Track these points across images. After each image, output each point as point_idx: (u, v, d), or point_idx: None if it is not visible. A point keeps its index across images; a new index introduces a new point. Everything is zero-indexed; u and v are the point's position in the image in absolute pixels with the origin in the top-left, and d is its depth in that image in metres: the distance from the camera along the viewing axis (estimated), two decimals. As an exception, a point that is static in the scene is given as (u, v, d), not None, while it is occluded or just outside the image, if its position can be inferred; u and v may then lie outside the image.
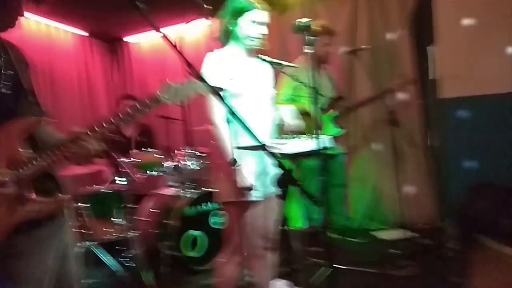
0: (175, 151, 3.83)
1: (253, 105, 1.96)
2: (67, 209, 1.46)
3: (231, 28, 1.99)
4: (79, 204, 3.14)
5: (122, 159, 3.34)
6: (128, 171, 3.35)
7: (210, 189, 3.58)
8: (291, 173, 1.43)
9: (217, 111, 1.88)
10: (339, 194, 3.77)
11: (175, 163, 3.69)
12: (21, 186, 1.25)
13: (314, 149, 1.96)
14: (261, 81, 2.04)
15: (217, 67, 1.91)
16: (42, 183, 1.31)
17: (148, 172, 3.53)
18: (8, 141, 1.26)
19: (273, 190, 1.99)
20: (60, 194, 1.37)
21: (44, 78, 4.53)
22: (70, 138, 1.28)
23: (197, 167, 3.76)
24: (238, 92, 1.91)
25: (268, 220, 2.02)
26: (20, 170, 1.24)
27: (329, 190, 3.68)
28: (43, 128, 1.41)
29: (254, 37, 1.99)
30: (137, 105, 1.34)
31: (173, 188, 3.73)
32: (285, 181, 1.42)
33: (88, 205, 3.21)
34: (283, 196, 1.44)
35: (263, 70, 2.09)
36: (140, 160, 3.52)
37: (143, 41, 5.43)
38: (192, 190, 3.58)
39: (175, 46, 1.22)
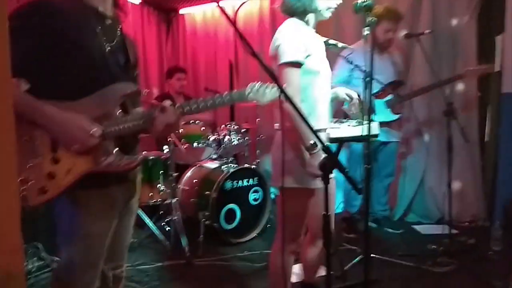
0: (221, 126, 3.89)
1: (324, 84, 1.89)
2: (138, 172, 1.56)
3: None
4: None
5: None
6: (175, 140, 3.44)
7: (252, 166, 3.62)
8: (335, 157, 1.40)
9: (293, 87, 1.77)
10: (384, 183, 3.67)
11: (219, 137, 3.75)
12: (108, 139, 1.34)
13: (362, 135, 1.90)
14: (325, 59, 1.95)
15: (296, 37, 1.80)
16: (124, 143, 1.39)
17: (193, 143, 3.62)
18: (110, 98, 1.35)
19: (333, 175, 1.90)
20: (136, 156, 1.45)
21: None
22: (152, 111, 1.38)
23: (240, 143, 3.82)
24: (316, 68, 1.83)
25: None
26: (111, 126, 1.34)
27: (375, 179, 3.60)
28: (136, 99, 1.51)
29: (331, 8, 1.87)
30: (222, 96, 1.41)
31: (215, 161, 3.81)
32: (329, 165, 1.39)
33: (135, 169, 3.35)
34: (325, 181, 1.41)
35: (323, 48, 2.01)
36: (185, 131, 3.61)
37: (197, 13, 5.45)
38: (233, 165, 3.63)
39: (231, 20, 1.20)
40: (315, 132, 1.33)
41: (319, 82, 1.87)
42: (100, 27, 1.38)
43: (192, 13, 5.49)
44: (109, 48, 1.39)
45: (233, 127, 3.85)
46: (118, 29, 1.47)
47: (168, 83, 4.46)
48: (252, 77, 4.95)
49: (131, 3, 5.11)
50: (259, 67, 5.31)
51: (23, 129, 1.24)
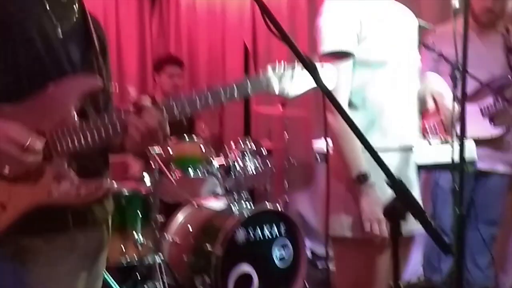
0: (230, 144, 3.89)
1: (398, 80, 1.90)
2: (108, 205, 1.57)
3: None
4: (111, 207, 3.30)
5: (154, 149, 3.45)
6: (162, 167, 3.45)
7: (277, 207, 3.59)
8: (409, 196, 1.36)
9: (338, 88, 1.80)
10: (485, 235, 3.57)
11: (227, 161, 3.75)
12: (59, 157, 1.35)
13: (449, 161, 1.86)
14: (406, 39, 1.96)
15: (343, 14, 1.85)
16: (85, 163, 1.41)
17: (188, 170, 3.62)
18: (62, 99, 1.38)
19: (414, 226, 1.92)
20: (107, 179, 1.46)
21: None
22: (133, 110, 1.38)
23: (260, 171, 3.83)
24: (378, 57, 1.86)
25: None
26: (63, 138, 1.35)
27: (471, 228, 3.51)
28: (103, 99, 1.53)
29: None
30: (227, 88, 1.43)
31: (221, 199, 3.82)
32: (399, 210, 1.34)
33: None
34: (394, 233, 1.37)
35: (408, 21, 2.00)
36: (177, 153, 3.63)
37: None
38: (248, 205, 3.64)
39: None
40: (374, 155, 1.29)
41: (387, 78, 1.87)
42: (49, 5, 1.44)
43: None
44: (62, 32, 1.44)
45: (249, 146, 3.86)
46: (76, 5, 1.52)
47: (156, 80, 4.54)
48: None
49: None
50: (291, 57, 5.38)
51: None
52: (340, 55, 1.82)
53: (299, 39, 4.68)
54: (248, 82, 1.46)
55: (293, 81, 1.47)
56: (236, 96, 1.44)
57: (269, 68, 1.48)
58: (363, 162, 1.74)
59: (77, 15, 1.51)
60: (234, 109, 5.08)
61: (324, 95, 1.30)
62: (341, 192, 1.84)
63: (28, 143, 1.28)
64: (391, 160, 1.87)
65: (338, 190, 1.83)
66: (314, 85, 1.35)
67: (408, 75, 1.93)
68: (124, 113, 1.39)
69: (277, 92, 1.47)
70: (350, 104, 1.89)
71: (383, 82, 1.87)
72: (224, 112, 4.92)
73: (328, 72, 1.46)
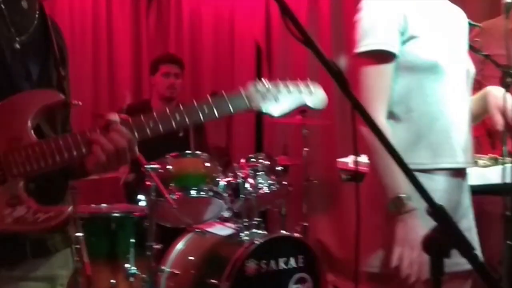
0: (240, 162, 3.89)
1: (450, 87, 1.87)
2: (72, 232, 1.61)
3: None
4: (75, 233, 3.30)
5: (150, 165, 3.44)
6: (159, 185, 3.44)
7: (294, 234, 3.57)
8: (454, 228, 1.33)
9: (377, 95, 1.81)
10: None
11: (236, 179, 3.75)
12: (11, 180, 1.37)
13: (500, 183, 1.85)
14: (458, 39, 1.95)
15: (387, 13, 1.84)
16: (42, 185, 1.44)
17: (190, 191, 3.61)
18: (15, 115, 1.40)
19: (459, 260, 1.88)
20: (69, 204, 1.48)
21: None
22: (99, 127, 1.42)
23: (274, 191, 3.81)
24: (428, 58, 1.85)
25: None
26: (22, 159, 1.37)
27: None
28: (62, 115, 1.55)
29: None
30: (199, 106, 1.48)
31: (228, 224, 3.80)
32: (442, 243, 1.32)
33: (86, 235, 3.36)
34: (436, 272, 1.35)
35: (459, 19, 2.00)
36: (177, 169, 3.63)
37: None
38: (260, 232, 3.62)
39: None
40: (409, 175, 1.27)
41: (436, 84, 1.84)
42: (7, 11, 1.46)
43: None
44: (20, 43, 1.46)
45: (261, 162, 3.85)
46: (37, 12, 1.55)
47: (152, 83, 4.56)
48: (295, 72, 4.99)
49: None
50: (310, 57, 5.32)
51: None
52: (380, 56, 1.79)
53: (320, 44, 4.68)
54: (227, 99, 1.50)
55: (278, 100, 1.55)
56: (216, 115, 1.48)
57: (251, 85, 1.53)
58: (402, 183, 1.70)
59: (36, 22, 1.53)
60: (244, 117, 5.08)
61: (352, 106, 1.29)
62: (376, 219, 1.81)
63: None
64: (441, 183, 1.84)
65: (372, 216, 1.80)
66: (300, 104, 1.54)
67: (461, 81, 1.89)
68: (89, 131, 1.41)
69: (263, 110, 1.52)
70: (392, 115, 1.85)
71: (432, 89, 1.83)
72: (232, 121, 4.92)
73: (318, 93, 1.59)
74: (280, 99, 1.54)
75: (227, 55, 5.47)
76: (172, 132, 1.47)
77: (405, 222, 1.73)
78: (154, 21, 5.79)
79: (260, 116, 5.26)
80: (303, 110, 4.13)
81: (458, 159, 1.86)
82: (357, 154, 1.69)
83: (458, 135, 1.87)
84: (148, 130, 1.44)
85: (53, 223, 1.40)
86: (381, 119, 1.79)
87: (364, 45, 1.82)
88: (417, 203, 1.68)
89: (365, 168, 1.92)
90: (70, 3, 5.08)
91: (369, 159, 1.82)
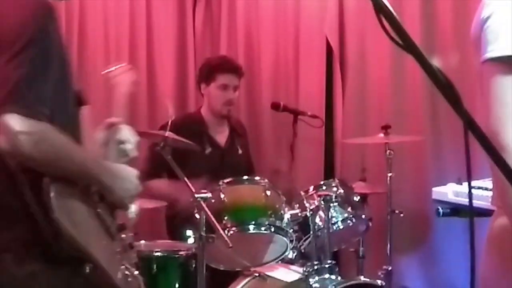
0: (307, 191, 3.88)
1: None
2: None
3: None
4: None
5: (201, 194, 3.46)
6: (211, 219, 3.45)
7: (376, 281, 3.53)
8: None
9: None
10: None
11: (303, 213, 3.74)
12: None
13: None
14: None
15: None
16: None
17: (248, 226, 3.61)
18: None
19: None
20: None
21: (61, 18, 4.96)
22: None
23: (350, 226, 3.82)
24: None
25: None
26: None
27: None
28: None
29: None
30: None
31: (294, 267, 3.79)
32: None
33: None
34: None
35: None
36: (232, 199, 3.64)
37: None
38: (334, 277, 3.58)
39: None
40: None
41: None
42: None
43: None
44: None
45: (334, 190, 3.84)
46: None
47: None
48: (373, 78, 4.94)
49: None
50: (393, 59, 5.26)
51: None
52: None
53: (407, 10, 4.66)
54: None
55: None
56: None
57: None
58: None
59: None
60: (310, 135, 5.05)
61: (467, 131, 1.26)
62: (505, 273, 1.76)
63: None
64: None
65: (499, 268, 1.77)
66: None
67: None
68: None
69: None
70: None
71: None
72: (297, 140, 4.89)
73: None
74: None
75: (290, 58, 5.45)
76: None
77: None
78: (202, 19, 5.85)
79: (330, 134, 5.25)
80: (386, 126, 4.15)
81: None
82: (466, 181, 1.66)
83: None
84: None
85: None
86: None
87: (497, 49, 1.76)
88: None
89: (478, 201, 1.88)
90: (104, 2, 5.16)
91: (500, 197, 1.79)
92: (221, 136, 4.61)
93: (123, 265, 2.10)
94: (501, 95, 1.74)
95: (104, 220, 2.02)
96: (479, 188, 2.21)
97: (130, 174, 2.10)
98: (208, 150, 4.32)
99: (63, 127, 1.86)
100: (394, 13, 1.21)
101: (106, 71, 2.33)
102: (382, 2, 1.21)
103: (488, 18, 1.81)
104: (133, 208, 2.22)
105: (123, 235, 2.14)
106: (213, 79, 4.46)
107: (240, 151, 4.60)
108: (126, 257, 2.16)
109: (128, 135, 2.26)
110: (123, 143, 2.25)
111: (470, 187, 1.47)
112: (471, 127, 1.28)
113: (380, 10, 1.22)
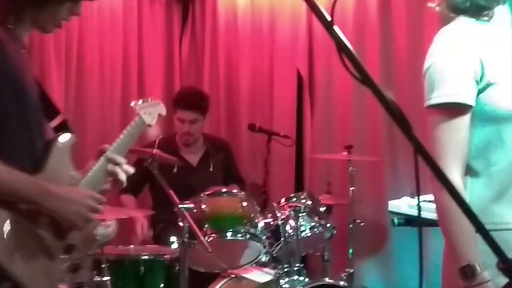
0: (279, 202, 3.88)
1: None
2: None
3: None
4: (97, 277, 3.31)
5: (184, 205, 3.45)
6: (193, 226, 3.44)
7: (338, 282, 3.52)
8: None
9: (449, 150, 1.78)
10: None
11: (275, 222, 3.74)
12: None
13: None
14: None
15: (461, 56, 1.81)
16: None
17: (226, 233, 3.60)
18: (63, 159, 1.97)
19: None
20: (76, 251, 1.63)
21: (61, 53, 4.94)
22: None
23: (316, 233, 3.80)
24: (505, 110, 1.80)
25: None
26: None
27: None
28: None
29: None
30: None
31: (267, 269, 3.79)
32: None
33: (113, 279, 3.36)
34: None
35: None
36: (212, 209, 3.64)
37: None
38: (301, 278, 3.59)
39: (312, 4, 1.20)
40: (490, 240, 1.25)
41: None
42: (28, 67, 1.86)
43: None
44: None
45: (303, 202, 3.84)
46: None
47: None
48: (339, 103, 4.97)
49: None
50: (356, 88, 5.26)
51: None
52: (453, 109, 1.77)
53: (368, 63, 4.68)
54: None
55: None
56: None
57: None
58: (474, 250, 1.66)
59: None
60: (282, 152, 5.06)
61: (416, 154, 1.28)
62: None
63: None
64: None
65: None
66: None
67: None
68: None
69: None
70: (470, 171, 1.83)
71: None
72: (270, 156, 4.90)
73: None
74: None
75: (266, 84, 5.46)
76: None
77: None
78: (188, 48, 5.84)
79: (300, 152, 5.26)
80: (349, 146, 4.17)
81: None
82: (416, 196, 1.67)
83: None
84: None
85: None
86: (454, 176, 1.75)
87: (435, 97, 1.80)
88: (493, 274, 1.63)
89: (427, 213, 1.90)
90: (99, 26, 5.13)
91: (439, 223, 1.82)
92: (193, 156, 4.63)
93: (62, 284, 2.01)
94: (439, 137, 1.79)
95: (43, 240, 1.90)
96: (428, 201, 2.23)
97: (81, 196, 1.96)
98: (175, 169, 4.30)
99: (17, 150, 1.87)
100: (354, 52, 1.23)
101: (135, 103, 2.32)
102: (343, 43, 1.23)
103: (428, 68, 1.86)
104: (102, 229, 2.14)
105: (69, 255, 1.99)
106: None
107: (211, 169, 4.58)
108: (72, 277, 2.07)
109: (118, 158, 2.14)
110: (112, 163, 2.12)
111: (419, 201, 1.49)
112: (420, 151, 1.29)
113: (341, 49, 1.24)
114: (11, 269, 1.77)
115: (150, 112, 2.37)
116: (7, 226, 1.80)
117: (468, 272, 1.69)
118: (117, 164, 2.09)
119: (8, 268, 1.76)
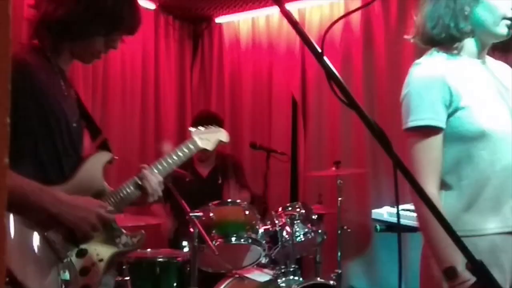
0: (277, 211, 3.88)
1: (499, 154, 1.82)
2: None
3: (468, 9, 1.84)
4: (118, 277, 3.30)
5: (194, 213, 3.44)
6: (202, 232, 3.43)
7: (329, 282, 3.51)
8: (493, 281, 1.30)
9: (424, 168, 1.80)
10: None
11: (273, 228, 3.73)
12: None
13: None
14: (508, 105, 1.90)
15: (432, 84, 1.83)
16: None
17: (231, 238, 3.60)
18: (95, 173, 2.09)
19: None
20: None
21: (88, 76, 4.95)
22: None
23: (309, 239, 3.78)
24: (479, 127, 1.81)
25: None
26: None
27: None
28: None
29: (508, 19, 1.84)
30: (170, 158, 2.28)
31: (266, 270, 3.76)
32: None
33: (132, 279, 3.35)
34: None
35: (509, 82, 1.96)
36: (218, 216, 3.63)
37: (243, 22, 5.72)
38: (296, 278, 3.57)
39: (301, 32, 1.21)
40: (461, 245, 1.24)
41: (485, 153, 1.81)
42: (67, 92, 1.92)
43: (235, 22, 5.76)
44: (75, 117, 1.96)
45: (298, 211, 3.83)
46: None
47: None
48: (328, 124, 4.98)
49: (143, 7, 5.40)
50: (343, 111, 5.25)
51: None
52: (427, 131, 1.79)
53: (353, 90, 4.69)
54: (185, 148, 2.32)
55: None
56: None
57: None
58: (454, 254, 1.65)
59: (73, 90, 2.14)
60: (279, 168, 5.06)
61: (395, 168, 1.28)
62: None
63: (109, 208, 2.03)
64: (490, 244, 1.79)
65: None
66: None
67: (507, 145, 1.83)
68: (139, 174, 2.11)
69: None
70: (444, 185, 1.84)
71: (481, 157, 1.80)
72: (269, 172, 4.89)
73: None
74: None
75: (265, 108, 5.49)
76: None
77: None
78: (198, 77, 5.90)
79: (295, 167, 5.26)
80: (337, 161, 4.17)
81: (510, 223, 1.81)
82: (395, 205, 1.67)
83: (509, 199, 1.82)
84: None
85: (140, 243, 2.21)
86: (430, 189, 1.76)
87: (411, 121, 1.82)
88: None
89: (405, 220, 1.90)
90: (122, 58, 5.14)
91: (421, 231, 1.82)
92: (204, 169, 4.62)
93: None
94: (416, 155, 1.81)
95: (52, 244, 1.84)
96: (407, 210, 2.23)
97: (89, 204, 1.91)
98: (189, 178, 4.29)
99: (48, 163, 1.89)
100: (341, 79, 1.25)
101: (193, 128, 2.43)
102: (332, 71, 1.24)
103: (404, 96, 1.88)
104: (125, 238, 2.05)
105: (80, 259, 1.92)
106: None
107: (220, 181, 4.59)
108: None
109: (150, 176, 2.11)
110: (143, 181, 2.09)
111: (398, 210, 1.49)
112: (399, 166, 1.30)
113: (330, 77, 1.26)
114: (25, 281, 1.71)
115: (208, 138, 2.40)
116: (16, 235, 1.76)
117: (450, 273, 1.69)
118: (148, 182, 2.09)
119: (21, 280, 1.70)
